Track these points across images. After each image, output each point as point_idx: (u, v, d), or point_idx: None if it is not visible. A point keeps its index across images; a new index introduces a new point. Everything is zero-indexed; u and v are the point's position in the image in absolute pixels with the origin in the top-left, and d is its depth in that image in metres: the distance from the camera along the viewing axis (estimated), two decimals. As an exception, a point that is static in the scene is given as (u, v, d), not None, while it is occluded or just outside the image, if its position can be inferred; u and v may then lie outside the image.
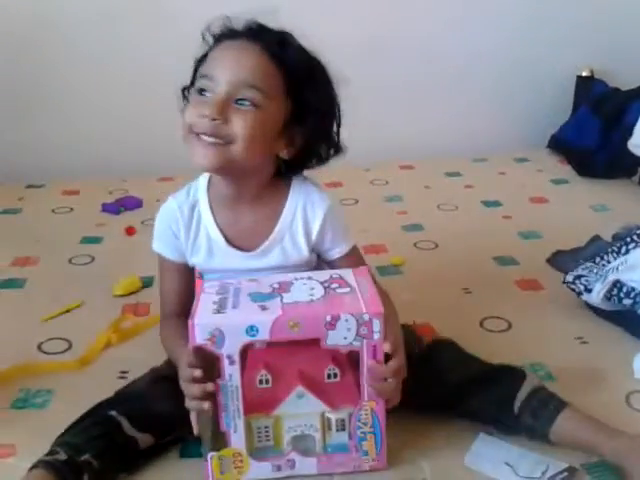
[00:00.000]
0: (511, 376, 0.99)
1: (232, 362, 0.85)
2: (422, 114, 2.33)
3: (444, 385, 0.99)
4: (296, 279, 0.94)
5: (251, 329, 0.84)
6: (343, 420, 0.91)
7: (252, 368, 0.90)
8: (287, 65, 0.92)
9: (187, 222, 1.02)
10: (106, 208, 1.88)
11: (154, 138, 2.16)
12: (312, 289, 0.91)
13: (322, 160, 1.01)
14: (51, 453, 0.88)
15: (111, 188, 2.03)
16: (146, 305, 1.39)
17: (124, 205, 1.89)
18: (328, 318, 0.85)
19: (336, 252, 1.04)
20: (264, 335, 0.85)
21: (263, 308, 0.86)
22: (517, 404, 0.96)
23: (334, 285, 0.92)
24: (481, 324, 1.31)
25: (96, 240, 1.70)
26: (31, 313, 1.35)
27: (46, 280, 1.49)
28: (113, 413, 0.93)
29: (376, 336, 0.86)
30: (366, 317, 0.85)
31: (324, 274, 0.96)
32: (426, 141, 2.35)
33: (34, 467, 0.87)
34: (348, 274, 0.95)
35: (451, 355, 1.04)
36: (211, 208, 1.01)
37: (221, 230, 1.01)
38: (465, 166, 2.26)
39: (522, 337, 1.27)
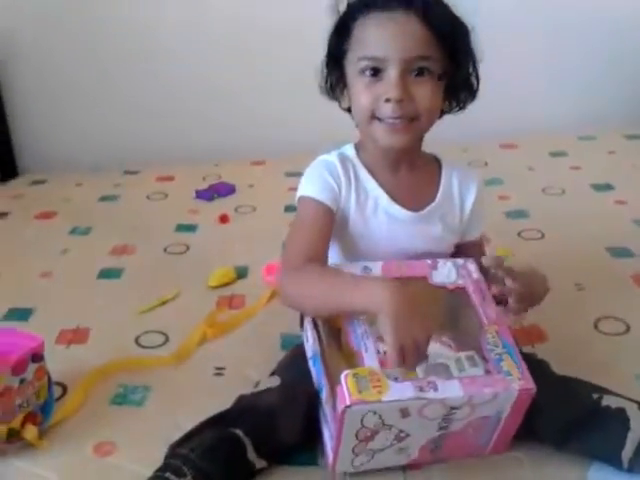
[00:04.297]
0: (614, 425, 0.87)
1: None
2: (521, 86, 2.18)
3: (544, 428, 0.90)
4: None
5: (366, 269, 0.92)
6: (472, 356, 0.87)
7: None
8: (439, 26, 0.91)
9: (347, 178, 0.99)
10: (199, 195, 1.87)
11: (246, 120, 2.16)
12: None
13: (460, 107, 1.00)
14: (177, 472, 0.84)
15: (204, 173, 2.03)
16: (241, 297, 1.37)
17: (217, 191, 1.88)
18: (429, 262, 0.95)
19: (473, 234, 1.06)
20: (377, 273, 0.92)
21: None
22: (625, 462, 0.86)
23: None
24: (595, 325, 1.21)
25: (190, 228, 1.70)
26: (128, 304, 1.35)
27: (143, 270, 1.50)
28: (240, 433, 0.88)
29: (475, 276, 0.94)
30: (463, 262, 0.95)
31: None
32: (527, 117, 2.21)
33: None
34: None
35: (548, 390, 0.88)
36: (368, 171, 1.00)
37: (383, 189, 0.99)
38: (571, 145, 2.13)
39: (641, 343, 1.16)
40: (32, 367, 0.98)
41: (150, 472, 0.88)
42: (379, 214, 1.00)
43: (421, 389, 0.79)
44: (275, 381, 0.98)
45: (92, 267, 1.51)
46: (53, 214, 1.82)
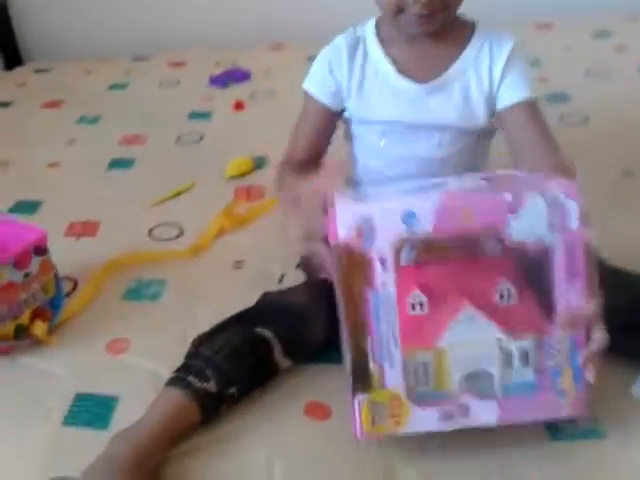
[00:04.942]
0: None
1: (385, 265, 0.65)
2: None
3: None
4: (450, 178, 0.74)
5: (409, 217, 0.64)
6: (527, 350, 0.69)
7: (401, 290, 0.67)
8: None
9: (351, 54, 0.93)
10: (213, 81, 1.75)
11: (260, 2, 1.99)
12: (473, 181, 0.73)
13: None
14: (200, 374, 0.79)
15: (218, 59, 1.89)
16: (259, 188, 1.28)
17: (232, 77, 1.76)
18: (508, 198, 0.65)
19: (511, 97, 0.90)
20: (426, 225, 0.65)
21: (419, 196, 0.68)
22: None
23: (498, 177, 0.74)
24: (647, 214, 1.11)
25: (205, 116, 1.59)
26: (141, 195, 1.28)
27: (155, 160, 1.41)
28: (268, 334, 0.83)
29: (574, 225, 0.66)
30: (561, 197, 0.65)
31: (481, 174, 0.79)
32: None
33: (178, 385, 0.78)
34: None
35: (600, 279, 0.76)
36: (380, 42, 0.93)
37: (392, 61, 0.92)
38: (614, 24, 1.94)
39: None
40: (36, 260, 0.92)
41: (167, 371, 0.83)
42: (386, 90, 0.92)
43: (448, 417, 0.69)
44: (300, 277, 0.93)
45: (101, 157, 1.43)
46: (59, 103, 1.71)
